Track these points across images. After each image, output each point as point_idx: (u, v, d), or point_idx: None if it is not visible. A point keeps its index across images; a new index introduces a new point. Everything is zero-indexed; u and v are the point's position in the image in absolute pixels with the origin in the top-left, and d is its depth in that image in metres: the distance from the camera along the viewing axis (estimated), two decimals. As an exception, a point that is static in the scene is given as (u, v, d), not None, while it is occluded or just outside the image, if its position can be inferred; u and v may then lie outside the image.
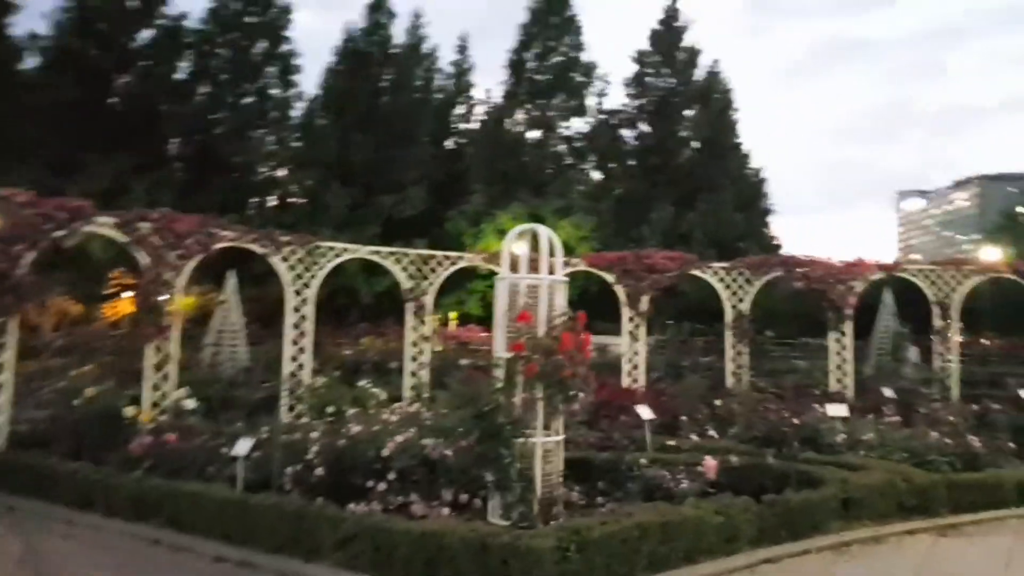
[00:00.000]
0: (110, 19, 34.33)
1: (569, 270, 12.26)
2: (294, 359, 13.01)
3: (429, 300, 14.40)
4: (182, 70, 37.15)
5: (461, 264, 15.09)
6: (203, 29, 37.71)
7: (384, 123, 41.82)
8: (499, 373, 7.03)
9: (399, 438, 7.90)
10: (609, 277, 15.46)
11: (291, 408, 12.56)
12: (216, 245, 12.13)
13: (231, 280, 20.80)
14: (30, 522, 7.89)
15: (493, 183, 41.12)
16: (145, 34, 35.68)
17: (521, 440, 6.72)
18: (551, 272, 7.32)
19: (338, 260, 13.74)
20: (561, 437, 7.16)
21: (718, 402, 12.73)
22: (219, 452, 8.30)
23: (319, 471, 7.63)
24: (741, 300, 15.60)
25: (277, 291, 13.13)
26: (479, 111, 47.57)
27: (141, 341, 11.40)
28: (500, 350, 7.13)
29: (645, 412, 10.52)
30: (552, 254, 7.31)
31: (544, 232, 7.37)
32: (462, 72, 47.82)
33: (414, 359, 14.12)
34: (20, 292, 9.92)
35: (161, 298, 11.33)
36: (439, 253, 15.00)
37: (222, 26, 38.15)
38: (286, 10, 40.00)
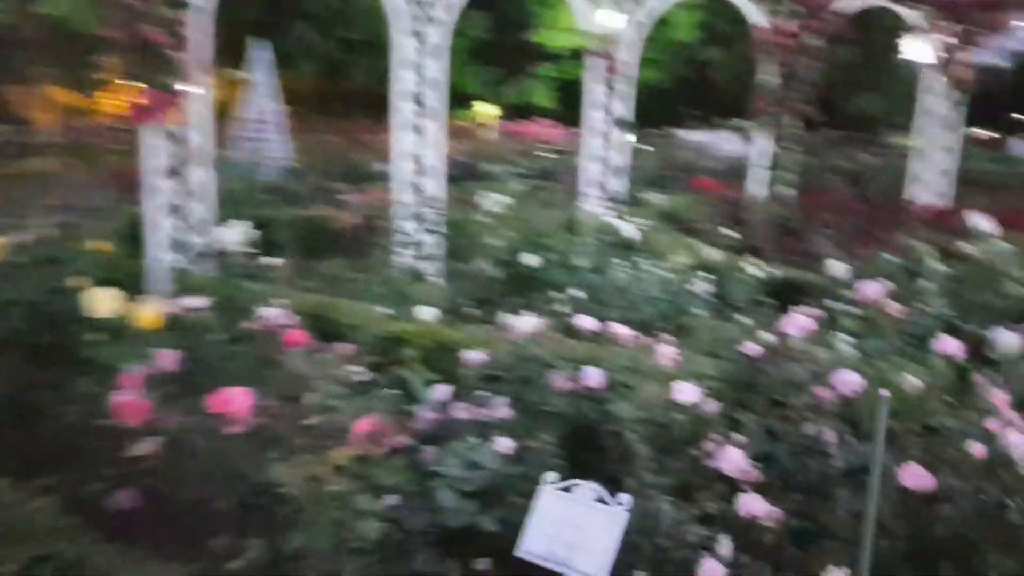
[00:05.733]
0: None
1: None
2: (415, 160, 7.18)
3: (631, 54, 8.28)
4: None
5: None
6: None
7: None
8: None
9: None
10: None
11: (418, 252, 6.92)
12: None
13: (258, 52, 14.44)
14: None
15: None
16: None
17: None
18: None
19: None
20: None
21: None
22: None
23: None
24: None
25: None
26: None
27: (139, 120, 5.61)
28: None
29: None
30: None
31: None
32: None
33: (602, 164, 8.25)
34: None
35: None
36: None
37: None
38: None
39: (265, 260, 5.55)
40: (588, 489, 1.93)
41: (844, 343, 3.34)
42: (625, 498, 1.90)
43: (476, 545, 2.62)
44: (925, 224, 6.46)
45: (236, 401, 2.91)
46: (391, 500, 2.53)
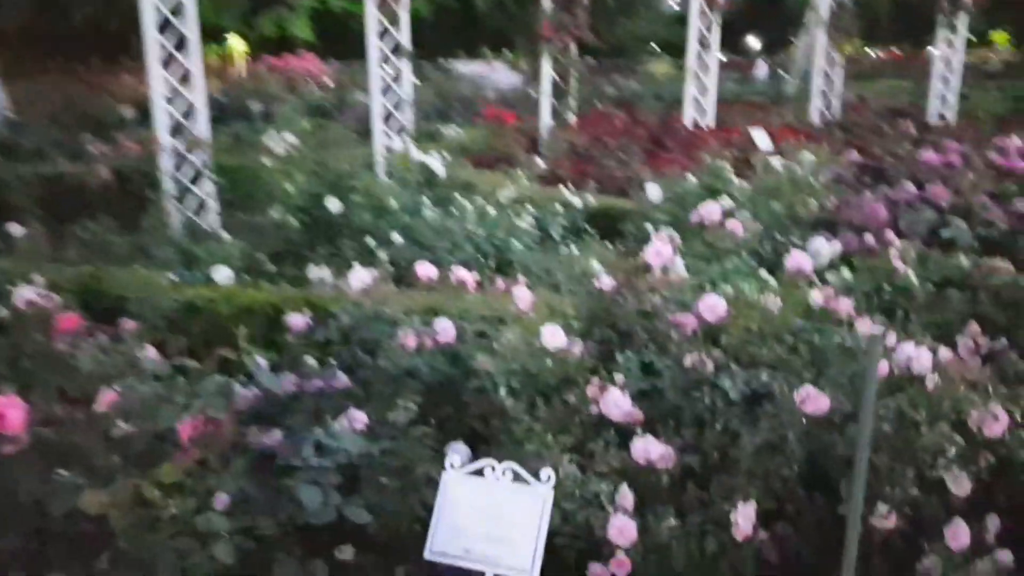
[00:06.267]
0: None
1: None
2: (169, 100, 6.21)
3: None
4: None
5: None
6: None
7: None
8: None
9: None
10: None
11: (194, 205, 6.05)
12: None
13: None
14: None
15: None
16: None
17: None
18: None
19: None
20: None
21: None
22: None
23: None
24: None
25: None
26: None
27: None
28: None
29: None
30: None
31: None
32: None
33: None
34: None
35: None
36: None
37: None
38: None
39: (4, 230, 4.57)
40: (503, 469, 1.65)
41: (685, 267, 3.30)
42: (548, 473, 1.65)
43: (343, 536, 2.28)
44: (709, 142, 6.74)
45: (4, 412, 2.29)
46: (239, 509, 2.09)
